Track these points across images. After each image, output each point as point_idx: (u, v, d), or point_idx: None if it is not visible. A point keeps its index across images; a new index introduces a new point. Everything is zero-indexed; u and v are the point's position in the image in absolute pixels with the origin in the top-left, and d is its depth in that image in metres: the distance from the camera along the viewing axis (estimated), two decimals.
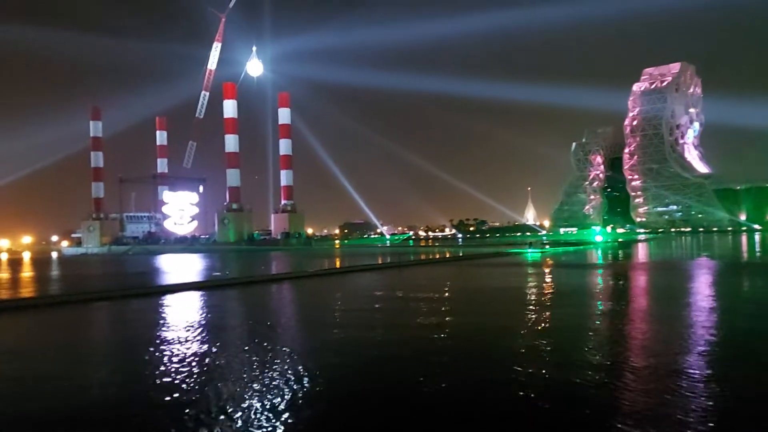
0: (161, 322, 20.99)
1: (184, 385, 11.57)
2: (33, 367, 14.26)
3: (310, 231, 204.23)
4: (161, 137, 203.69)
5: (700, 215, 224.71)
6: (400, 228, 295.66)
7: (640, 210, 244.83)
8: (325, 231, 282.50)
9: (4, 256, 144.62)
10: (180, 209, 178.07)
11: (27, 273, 59.14)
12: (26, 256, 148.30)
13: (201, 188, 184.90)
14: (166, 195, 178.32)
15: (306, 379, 11.82)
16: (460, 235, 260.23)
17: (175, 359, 14.10)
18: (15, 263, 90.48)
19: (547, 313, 20.32)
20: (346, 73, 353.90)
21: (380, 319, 20.61)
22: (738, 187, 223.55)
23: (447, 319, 19.87)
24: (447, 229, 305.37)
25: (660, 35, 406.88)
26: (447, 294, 28.21)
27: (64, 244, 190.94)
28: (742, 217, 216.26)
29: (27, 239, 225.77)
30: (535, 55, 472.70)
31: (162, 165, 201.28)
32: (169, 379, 12.13)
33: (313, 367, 12.85)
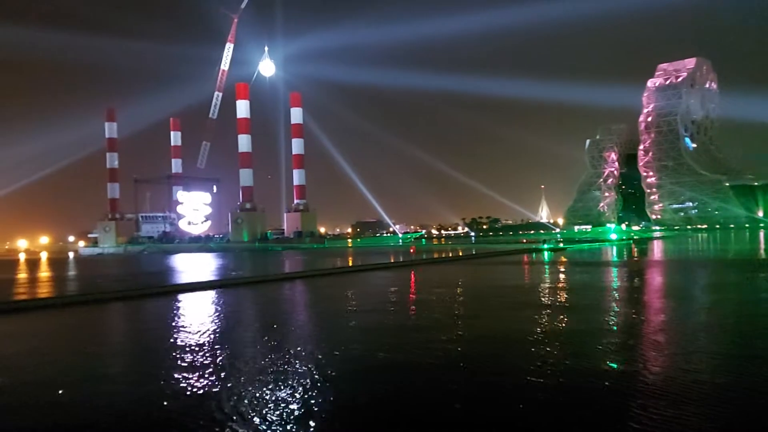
0: (186, 320, 21.19)
1: (201, 382, 11.70)
2: (56, 367, 14.46)
3: (322, 230, 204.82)
4: (175, 138, 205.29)
5: (716, 212, 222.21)
6: (412, 227, 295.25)
7: (656, 207, 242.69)
8: (338, 230, 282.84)
9: (22, 257, 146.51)
10: (194, 209, 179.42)
11: (49, 273, 59.84)
12: (44, 256, 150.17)
13: (215, 188, 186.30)
14: (180, 195, 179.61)
15: (321, 378, 11.90)
16: (472, 234, 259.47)
17: (191, 356, 14.24)
18: (33, 263, 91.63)
19: (563, 316, 20.25)
20: (359, 72, 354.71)
21: (392, 319, 20.65)
22: (755, 183, 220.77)
23: (462, 319, 19.90)
24: (460, 228, 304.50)
25: (675, 30, 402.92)
26: (460, 292, 28.19)
27: (81, 244, 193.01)
28: (760, 214, 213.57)
29: (44, 239, 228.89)
30: (548, 51, 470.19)
31: (176, 165, 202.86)
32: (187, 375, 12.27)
33: (328, 366, 12.94)
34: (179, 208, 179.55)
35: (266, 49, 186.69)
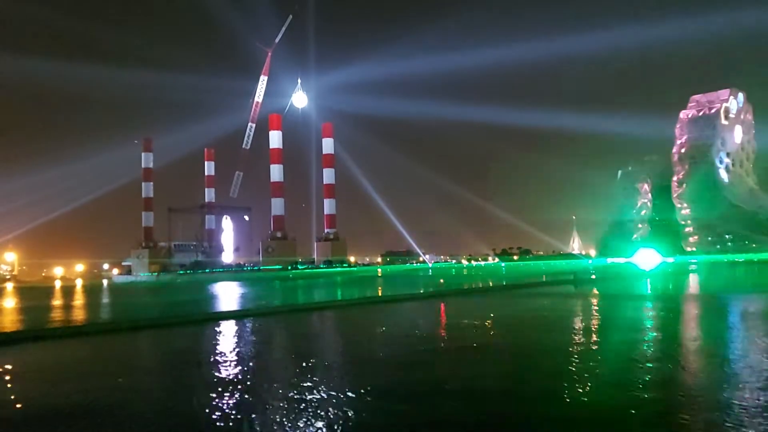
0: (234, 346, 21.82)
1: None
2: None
3: (352, 259, 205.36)
4: (209, 168, 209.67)
5: (753, 245, 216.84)
6: (442, 257, 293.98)
7: (690, 240, 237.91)
8: (367, 259, 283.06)
9: (58, 284, 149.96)
10: (228, 239, 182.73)
11: (99, 300, 61.37)
12: (78, 283, 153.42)
13: (247, 217, 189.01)
14: (225, 223, 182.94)
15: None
16: (503, 265, 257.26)
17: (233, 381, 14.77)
18: (69, 290, 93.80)
19: (594, 347, 20.32)
20: (389, 102, 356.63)
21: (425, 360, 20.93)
22: None
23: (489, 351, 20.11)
24: (490, 258, 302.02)
25: (709, 61, 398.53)
26: (491, 325, 28.32)
27: (115, 271, 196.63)
28: None
29: (80, 267, 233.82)
30: (578, 82, 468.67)
31: (210, 194, 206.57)
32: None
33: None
34: (222, 237, 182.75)
35: (299, 81, 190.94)
